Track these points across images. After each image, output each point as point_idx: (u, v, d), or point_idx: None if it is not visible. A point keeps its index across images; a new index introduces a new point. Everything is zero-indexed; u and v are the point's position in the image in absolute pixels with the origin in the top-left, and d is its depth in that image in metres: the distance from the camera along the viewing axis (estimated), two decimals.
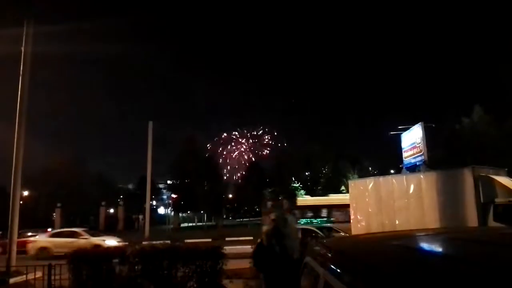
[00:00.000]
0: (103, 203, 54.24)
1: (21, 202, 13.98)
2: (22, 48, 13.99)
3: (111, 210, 58.72)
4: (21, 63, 13.91)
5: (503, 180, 13.29)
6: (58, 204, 49.36)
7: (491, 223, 12.03)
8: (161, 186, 74.91)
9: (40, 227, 41.73)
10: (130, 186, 72.84)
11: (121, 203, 58.81)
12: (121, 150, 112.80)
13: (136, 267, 8.72)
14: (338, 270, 1.49)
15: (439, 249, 1.76)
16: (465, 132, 37.88)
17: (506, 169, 15.26)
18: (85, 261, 8.79)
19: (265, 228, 8.46)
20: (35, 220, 41.56)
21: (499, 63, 72.40)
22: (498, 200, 12.40)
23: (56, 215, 50.28)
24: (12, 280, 11.21)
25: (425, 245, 1.87)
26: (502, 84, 64.79)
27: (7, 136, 14.53)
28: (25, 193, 37.80)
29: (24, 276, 11.15)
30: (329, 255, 1.79)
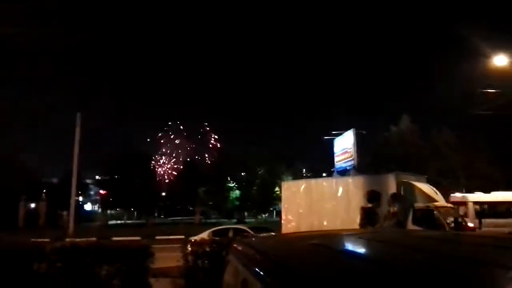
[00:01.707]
0: (23, 197, 50.78)
1: None
2: None
3: (32, 205, 55.10)
4: None
5: (422, 186, 14.27)
6: None
7: (410, 226, 12.83)
8: (88, 181, 71.52)
9: None
10: (55, 180, 68.73)
11: (44, 197, 55.42)
12: (47, 142, 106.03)
13: (56, 265, 8.26)
14: (256, 269, 1.50)
15: (355, 250, 1.83)
16: (393, 140, 40.17)
17: (426, 176, 16.41)
18: None
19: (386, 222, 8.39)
20: None
21: (428, 75, 77.77)
22: (417, 205, 13.26)
23: None
24: None
25: (343, 245, 1.94)
26: (429, 96, 69.59)
27: None
28: None
29: None
30: (248, 253, 1.80)
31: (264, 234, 17.53)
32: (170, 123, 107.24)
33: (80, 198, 64.51)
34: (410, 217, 13.02)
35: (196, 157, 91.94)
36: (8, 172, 50.01)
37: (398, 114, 42.64)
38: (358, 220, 13.82)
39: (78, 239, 13.05)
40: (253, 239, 2.94)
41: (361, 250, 1.81)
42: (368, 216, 9.50)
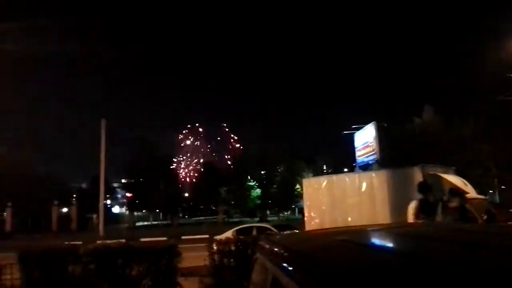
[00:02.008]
0: (55, 202, 52.27)
1: None
2: None
3: (64, 210, 56.67)
4: None
5: (451, 178, 13.99)
6: (9, 203, 47.30)
7: (439, 219, 12.61)
8: (115, 185, 72.95)
9: None
10: (84, 185, 70.44)
11: (74, 202, 56.86)
12: (74, 148, 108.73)
13: (89, 267, 8.57)
14: (286, 266, 1.58)
15: (385, 244, 1.86)
16: (416, 132, 39.35)
17: (454, 168, 16.04)
18: (35, 260, 8.53)
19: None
20: None
21: (450, 64, 75.94)
22: (446, 197, 13.00)
23: (6, 215, 48.18)
24: None
25: (372, 240, 1.97)
26: (452, 85, 67.95)
27: None
28: None
29: None
30: (277, 250, 1.89)
31: (288, 232, 17.66)
32: (189, 126, 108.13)
33: (108, 201, 65.78)
34: (440, 212, 12.82)
35: (215, 157, 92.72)
36: (41, 179, 51.73)
37: (420, 105, 41.76)
38: (385, 215, 13.79)
39: (108, 241, 13.44)
40: (280, 236, 3.04)
41: (392, 244, 1.83)
42: (425, 208, 9.28)
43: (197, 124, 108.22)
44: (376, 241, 1.94)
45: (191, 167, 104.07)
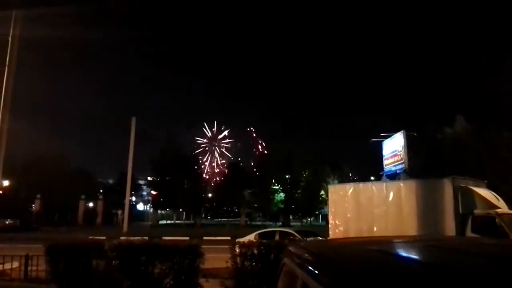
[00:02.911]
0: (82, 196, 53.57)
1: (0, 192, 13.76)
2: (9, 38, 13.74)
3: (90, 204, 58.04)
4: (7, 54, 13.67)
5: (482, 192, 13.54)
6: (38, 196, 48.66)
7: (469, 234, 12.20)
8: (141, 182, 74.26)
9: (17, 217, 41.30)
10: (111, 181, 72.01)
11: (101, 197, 58.17)
12: (102, 144, 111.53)
13: (113, 262, 8.68)
14: (317, 272, 1.53)
15: (416, 256, 1.80)
16: (447, 142, 38.36)
17: (485, 181, 15.54)
18: (62, 253, 8.70)
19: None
20: (14, 210, 40.91)
21: (482, 73, 73.74)
22: (477, 211, 12.60)
23: (35, 206, 49.57)
24: None
25: (403, 251, 1.91)
26: (484, 95, 66.01)
27: None
28: (5, 183, 37.20)
29: (1, 265, 10.98)
30: (307, 257, 1.83)
31: (317, 238, 17.46)
32: (214, 126, 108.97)
33: (133, 198, 66.98)
34: (469, 225, 12.43)
35: (240, 159, 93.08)
36: (71, 173, 53.22)
37: (451, 114, 40.73)
38: (413, 226, 13.43)
39: (132, 238, 13.60)
40: (310, 243, 2.96)
41: (424, 256, 1.78)
42: (486, 225, 8.84)
43: (222, 128, 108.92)
44: (410, 252, 1.88)
45: (216, 168, 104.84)
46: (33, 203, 50.31)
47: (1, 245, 14.57)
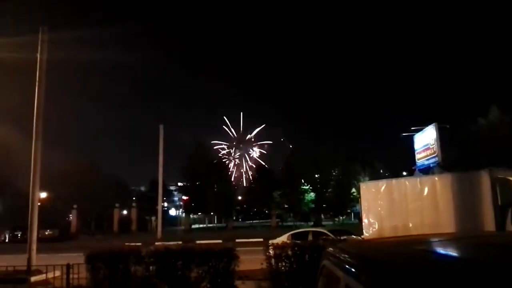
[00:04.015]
0: (116, 204, 54.86)
1: (39, 203, 14.26)
2: (38, 55, 14.28)
3: (124, 212, 59.35)
4: (37, 69, 14.21)
5: None
6: (74, 206, 50.14)
7: (509, 227, 11.83)
8: (172, 188, 75.40)
9: (56, 227, 42.77)
10: (143, 188, 73.49)
11: (134, 204, 59.40)
12: (132, 152, 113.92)
13: (150, 267, 8.86)
14: (362, 275, 1.50)
15: (464, 254, 1.74)
16: (481, 133, 37.15)
17: None
18: (101, 260, 8.94)
19: None
20: (52, 221, 42.36)
21: None
22: None
23: (72, 216, 51.11)
24: (33, 279, 11.49)
25: (448, 250, 1.86)
26: None
27: (27, 140, 14.79)
28: (43, 194, 38.60)
29: (44, 275, 11.40)
30: (350, 259, 1.81)
31: (345, 237, 17.29)
32: (240, 130, 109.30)
33: (165, 204, 68.01)
34: (510, 217, 12.02)
35: (269, 161, 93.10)
36: (105, 182, 54.70)
37: (485, 105, 39.36)
38: (450, 221, 13.09)
39: (167, 243, 13.84)
40: (348, 244, 2.93)
41: (473, 255, 1.72)
42: None
43: (251, 134, 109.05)
44: (455, 251, 1.83)
45: (244, 170, 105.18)
46: (70, 213, 51.85)
47: (43, 255, 15.07)
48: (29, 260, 12.71)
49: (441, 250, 1.84)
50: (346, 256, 1.88)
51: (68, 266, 10.29)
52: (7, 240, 38.92)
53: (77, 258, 10.33)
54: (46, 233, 38.84)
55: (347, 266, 1.72)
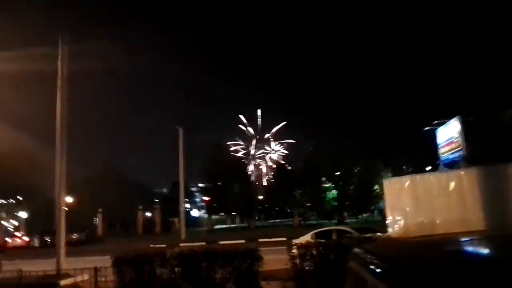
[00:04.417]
0: (140, 207, 55.63)
1: (66, 208, 14.57)
2: (59, 62, 14.59)
3: (148, 214, 60.13)
4: (59, 75, 14.51)
5: None
6: (100, 210, 51.10)
7: None
8: (193, 189, 76.02)
9: (83, 231, 43.75)
10: (165, 190, 74.39)
11: (157, 207, 60.11)
12: (154, 155, 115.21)
13: (176, 269, 8.93)
14: (390, 279, 1.46)
15: (497, 254, 1.67)
16: (507, 125, 36.14)
17: None
18: (128, 263, 9.07)
19: None
20: (79, 225, 43.30)
21: None
22: None
23: (98, 220, 52.11)
24: (62, 283, 11.73)
25: (479, 249, 1.80)
26: None
27: (52, 146, 15.09)
28: (69, 199, 39.54)
29: (73, 278, 11.64)
30: (377, 261, 1.76)
31: (369, 235, 17.08)
32: (259, 127, 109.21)
33: (188, 205, 68.64)
34: None
35: (288, 159, 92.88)
36: (129, 186, 55.67)
37: (510, 95, 38.27)
38: (478, 217, 12.78)
39: (190, 244, 13.94)
40: (375, 245, 2.87)
41: (506, 256, 1.65)
42: None
43: (270, 135, 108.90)
44: (486, 250, 1.76)
45: (264, 169, 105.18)
46: (96, 217, 52.84)
47: (72, 259, 15.42)
48: (58, 264, 13.01)
49: (472, 251, 1.77)
50: (374, 258, 1.83)
51: (96, 270, 10.47)
52: (37, 245, 39.90)
53: (104, 261, 10.50)
54: (74, 237, 39.66)
55: (374, 269, 1.68)
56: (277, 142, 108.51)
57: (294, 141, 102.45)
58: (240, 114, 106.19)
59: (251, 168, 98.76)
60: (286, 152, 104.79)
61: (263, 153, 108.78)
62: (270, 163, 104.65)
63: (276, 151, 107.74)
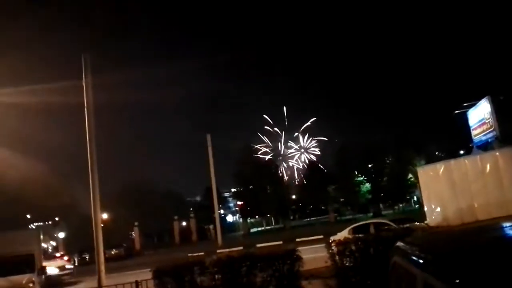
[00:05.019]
0: (175, 217, 56.38)
1: (102, 225, 14.89)
2: (83, 82, 14.98)
3: (183, 223, 60.85)
4: (84, 96, 14.91)
5: None
6: (136, 223, 52.09)
7: None
8: (226, 194, 76.40)
9: (121, 246, 44.72)
10: (198, 198, 75.11)
11: (192, 215, 60.82)
12: (184, 164, 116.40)
13: (216, 276, 8.98)
14: (443, 273, 1.41)
15: None
16: None
17: None
18: (168, 274, 9.18)
19: None
20: (117, 240, 44.28)
21: None
22: None
23: (134, 233, 53.11)
24: None
25: None
26: None
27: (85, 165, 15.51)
28: (105, 216, 40.52)
29: None
30: (426, 255, 1.71)
31: (408, 225, 16.74)
32: (286, 124, 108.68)
33: (221, 211, 69.16)
34: None
35: (319, 156, 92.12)
36: (162, 196, 56.59)
37: None
38: None
39: (228, 250, 14.01)
40: (419, 237, 2.80)
41: None
42: None
43: (299, 133, 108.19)
44: None
45: (295, 168, 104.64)
46: (132, 231, 53.87)
47: (112, 274, 15.72)
48: (99, 281, 13.28)
49: None
50: (421, 252, 1.78)
51: (137, 283, 10.63)
52: (76, 264, 41.09)
53: (145, 274, 10.68)
54: (113, 253, 40.53)
55: (423, 263, 1.64)
56: (307, 139, 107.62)
57: (323, 138, 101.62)
58: (265, 114, 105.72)
59: (282, 168, 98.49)
60: (316, 149, 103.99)
61: (292, 152, 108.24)
62: (301, 161, 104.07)
63: (306, 148, 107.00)
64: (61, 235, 52.59)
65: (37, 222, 58.01)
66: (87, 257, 39.25)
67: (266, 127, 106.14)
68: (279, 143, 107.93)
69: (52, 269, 20.04)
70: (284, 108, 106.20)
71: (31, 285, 12.66)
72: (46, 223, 59.18)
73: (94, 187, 14.34)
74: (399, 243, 2.22)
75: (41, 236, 15.36)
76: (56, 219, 58.20)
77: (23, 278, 12.81)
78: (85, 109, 14.79)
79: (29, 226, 50.65)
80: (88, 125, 14.69)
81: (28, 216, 55.86)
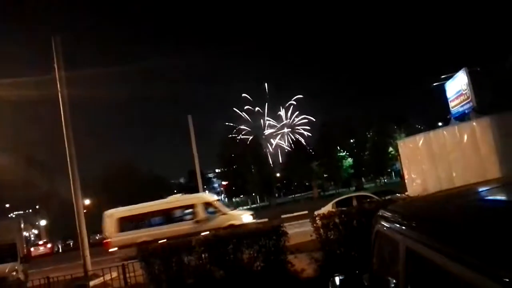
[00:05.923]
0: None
1: (84, 210, 14.74)
2: (55, 65, 14.56)
3: None
4: (56, 78, 14.52)
5: None
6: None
7: None
8: (211, 175, 76.53)
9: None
10: (182, 180, 75.00)
11: None
12: (167, 146, 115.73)
13: (203, 256, 9.04)
14: (425, 236, 1.43)
15: None
16: None
17: None
18: (155, 256, 9.20)
19: None
20: (100, 224, 43.94)
21: None
22: None
23: None
24: (91, 283, 11.95)
25: (508, 198, 1.77)
26: None
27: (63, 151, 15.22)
28: (87, 201, 40.03)
29: (102, 278, 11.86)
30: (406, 220, 1.74)
31: (389, 197, 17.08)
32: (267, 102, 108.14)
33: (206, 192, 69.32)
34: None
35: (301, 133, 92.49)
36: (143, 180, 56.16)
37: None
38: (492, 165, 12.68)
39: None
40: (400, 205, 2.85)
41: None
42: None
43: (282, 111, 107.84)
44: (509, 198, 1.73)
45: (278, 146, 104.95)
46: None
47: (98, 259, 15.65)
48: (84, 266, 13.25)
49: (489, 199, 1.75)
50: (402, 218, 1.81)
51: (124, 266, 10.65)
52: (60, 250, 40.77)
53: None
54: (97, 238, 40.34)
55: (405, 229, 1.66)
56: (289, 116, 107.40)
57: (306, 116, 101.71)
58: (248, 94, 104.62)
59: (266, 147, 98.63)
60: (300, 127, 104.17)
61: (276, 130, 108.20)
62: (284, 140, 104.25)
63: (289, 126, 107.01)
64: (43, 222, 52.02)
65: (17, 211, 57.23)
66: (71, 244, 39.01)
67: (248, 107, 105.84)
68: (262, 122, 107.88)
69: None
70: (266, 84, 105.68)
71: (14, 273, 12.55)
72: (27, 211, 58.41)
73: (73, 173, 14.16)
74: (381, 212, 2.24)
75: (22, 225, 15.14)
76: (37, 207, 57.46)
77: (6, 267, 12.69)
78: (59, 93, 14.44)
79: (9, 216, 49.88)
80: (63, 109, 14.38)
81: (7, 205, 55.00)
